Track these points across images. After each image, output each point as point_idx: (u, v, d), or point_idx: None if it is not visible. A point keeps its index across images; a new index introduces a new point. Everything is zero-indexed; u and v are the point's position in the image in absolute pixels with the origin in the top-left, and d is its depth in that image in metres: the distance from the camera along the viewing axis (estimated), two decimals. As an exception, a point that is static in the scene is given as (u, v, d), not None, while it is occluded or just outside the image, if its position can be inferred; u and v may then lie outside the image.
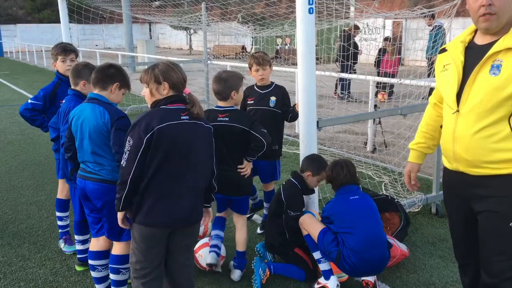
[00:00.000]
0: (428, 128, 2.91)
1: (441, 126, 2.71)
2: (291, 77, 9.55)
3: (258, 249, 4.01)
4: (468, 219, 2.60)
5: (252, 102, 4.26)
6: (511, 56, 2.32)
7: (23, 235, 4.68)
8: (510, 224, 2.39)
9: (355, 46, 11.72)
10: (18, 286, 3.77)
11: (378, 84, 8.30)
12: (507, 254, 2.42)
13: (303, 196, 3.90)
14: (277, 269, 3.77)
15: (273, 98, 4.26)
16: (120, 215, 2.88)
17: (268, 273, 3.70)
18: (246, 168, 3.65)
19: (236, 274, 3.76)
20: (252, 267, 3.72)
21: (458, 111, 2.45)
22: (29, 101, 4.20)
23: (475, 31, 2.55)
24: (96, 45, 38.38)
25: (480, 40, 2.49)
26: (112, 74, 3.23)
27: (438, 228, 4.63)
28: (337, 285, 3.50)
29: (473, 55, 2.46)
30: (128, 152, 2.71)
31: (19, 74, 21.63)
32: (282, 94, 4.32)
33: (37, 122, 4.21)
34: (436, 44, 9.88)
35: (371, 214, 3.47)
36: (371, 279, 3.53)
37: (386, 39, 13.35)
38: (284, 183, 3.91)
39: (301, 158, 3.88)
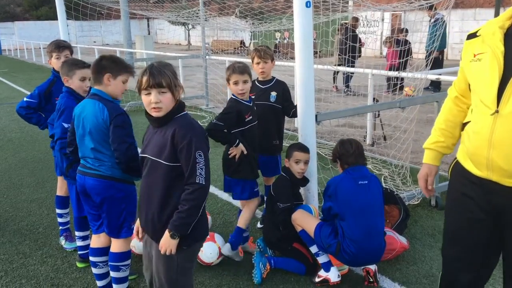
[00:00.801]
0: (447, 125, 2.51)
1: (463, 123, 2.36)
2: (290, 71, 9.52)
3: (258, 244, 4.02)
4: (484, 233, 2.30)
5: (253, 97, 4.25)
6: None
7: (24, 233, 4.69)
8: None
9: (357, 39, 11.65)
10: (19, 283, 3.79)
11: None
12: None
13: (302, 189, 3.92)
14: (278, 263, 3.78)
15: (273, 93, 4.26)
16: (176, 241, 2.45)
17: (269, 267, 3.72)
18: (233, 150, 3.77)
19: (225, 248, 3.85)
20: (253, 262, 3.73)
21: (497, 111, 2.05)
22: (25, 99, 4.21)
23: None
24: (94, 42, 38.38)
25: None
26: (103, 66, 3.16)
27: (437, 221, 4.64)
28: (338, 275, 3.52)
29: None
30: (204, 168, 2.43)
31: (17, 72, 21.60)
32: (283, 89, 4.32)
33: (33, 120, 4.22)
34: (434, 36, 9.86)
35: (375, 204, 3.44)
36: (371, 267, 3.54)
37: (402, 30, 13.04)
38: None
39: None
